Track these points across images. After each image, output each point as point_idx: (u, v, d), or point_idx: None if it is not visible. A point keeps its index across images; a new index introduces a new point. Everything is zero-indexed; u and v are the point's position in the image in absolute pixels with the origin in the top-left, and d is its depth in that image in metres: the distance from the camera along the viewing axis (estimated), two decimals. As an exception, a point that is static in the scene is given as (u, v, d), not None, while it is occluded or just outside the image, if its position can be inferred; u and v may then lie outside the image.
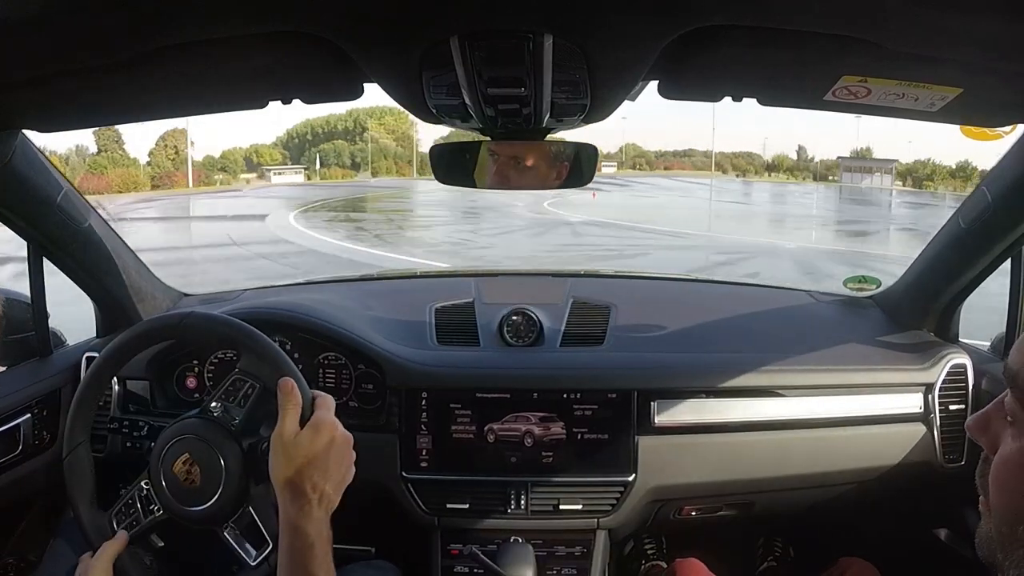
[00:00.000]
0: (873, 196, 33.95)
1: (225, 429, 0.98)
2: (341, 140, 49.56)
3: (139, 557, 1.00)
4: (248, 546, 0.98)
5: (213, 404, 1.00)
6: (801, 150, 58.14)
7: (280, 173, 41.31)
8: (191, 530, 0.99)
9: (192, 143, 39.52)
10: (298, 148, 50.30)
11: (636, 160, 57.46)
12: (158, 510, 0.99)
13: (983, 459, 0.62)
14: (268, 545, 0.96)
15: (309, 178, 41.97)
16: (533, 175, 1.11)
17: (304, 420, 0.88)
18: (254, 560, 0.97)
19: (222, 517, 0.97)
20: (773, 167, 55.86)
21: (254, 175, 41.98)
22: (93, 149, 36.53)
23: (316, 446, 0.86)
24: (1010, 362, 0.55)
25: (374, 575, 1.28)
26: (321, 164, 45.60)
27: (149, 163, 38.45)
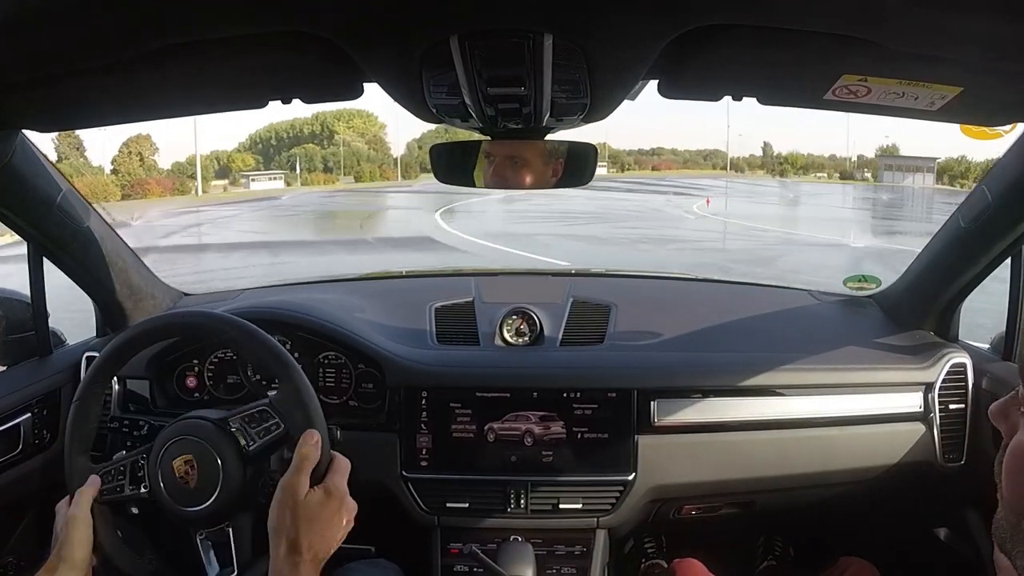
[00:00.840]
0: (927, 197, 31.32)
1: (237, 448, 0.98)
2: (311, 144, 48.44)
3: (108, 516, 0.99)
4: (214, 560, 0.99)
5: (233, 421, 1.00)
6: (767, 147, 58.48)
7: (256, 179, 39.56)
8: (167, 521, 1.00)
9: (157, 149, 38.43)
10: (264, 153, 49.07)
11: (612, 159, 57.11)
12: (143, 488, 0.99)
13: (1001, 448, 0.62)
14: (232, 571, 0.97)
15: (289, 184, 39.96)
16: (533, 174, 1.12)
17: (318, 476, 0.89)
18: None
19: (200, 524, 0.98)
20: (738, 166, 55.64)
21: (226, 181, 40.05)
22: (53, 157, 34.79)
23: (324, 510, 0.87)
24: (1021, 352, 0.55)
25: (375, 573, 1.28)
26: (295, 169, 43.97)
27: (114, 171, 36.86)
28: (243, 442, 0.98)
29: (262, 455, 1.00)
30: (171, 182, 36.06)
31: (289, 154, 47.53)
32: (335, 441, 1.20)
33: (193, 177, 38.12)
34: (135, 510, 1.01)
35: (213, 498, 0.96)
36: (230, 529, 0.99)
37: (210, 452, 0.97)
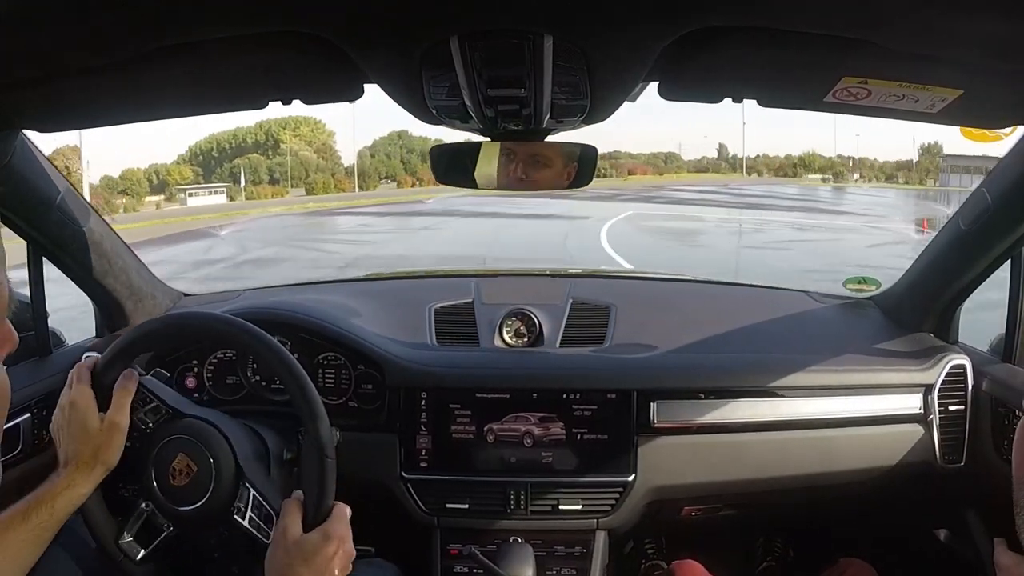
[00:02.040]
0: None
1: (222, 432, 1.00)
2: (255, 154, 45.62)
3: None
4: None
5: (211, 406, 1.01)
6: (722, 148, 57.66)
7: (195, 194, 35.95)
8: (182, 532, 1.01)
9: (88, 162, 33.70)
10: (204, 165, 46.31)
11: None
12: (167, 527, 1.01)
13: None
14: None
15: (233, 198, 36.44)
16: (533, 176, 1.12)
17: (314, 521, 0.89)
18: None
19: (189, 525, 1.00)
20: (702, 168, 54.67)
21: (161, 197, 37.14)
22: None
23: (319, 553, 0.86)
24: None
25: (374, 573, 1.28)
26: (238, 181, 40.37)
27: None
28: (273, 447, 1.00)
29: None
30: (96, 199, 32.50)
31: (232, 165, 44.35)
32: (336, 443, 1.20)
33: (126, 193, 36.04)
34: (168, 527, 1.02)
35: (205, 498, 0.97)
36: (167, 530, 1.01)
37: (203, 452, 0.98)
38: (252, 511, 0.97)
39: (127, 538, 1.00)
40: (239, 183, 40.64)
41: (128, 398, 0.98)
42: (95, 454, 0.95)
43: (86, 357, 0.98)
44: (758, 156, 57.10)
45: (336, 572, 0.88)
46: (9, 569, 0.89)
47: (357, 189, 40.89)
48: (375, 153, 50.18)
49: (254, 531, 0.96)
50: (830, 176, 49.72)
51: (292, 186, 42.01)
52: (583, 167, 1.11)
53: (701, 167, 56.68)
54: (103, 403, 0.97)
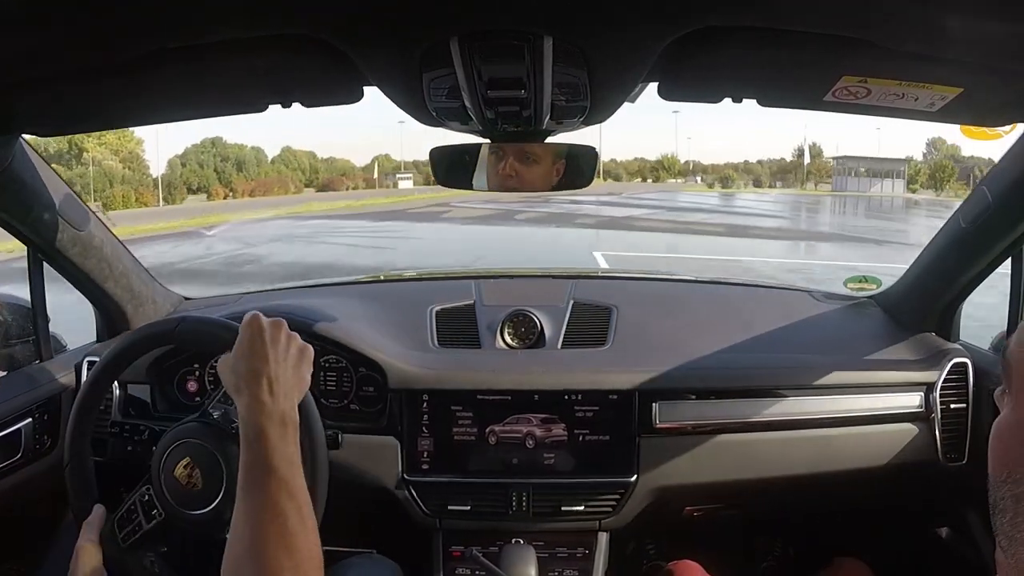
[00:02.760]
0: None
1: (225, 432, 0.98)
2: (56, 165, 39.79)
3: (139, 559, 1.01)
4: None
5: (212, 408, 1.00)
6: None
7: None
8: (193, 534, 1.00)
9: None
10: None
11: (424, 170, 54.66)
12: (158, 514, 1.00)
13: None
14: None
15: None
16: (533, 177, 1.11)
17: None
18: None
19: (224, 522, 0.97)
20: (615, 173, 53.35)
21: None
22: None
23: (248, 346, 0.85)
24: (1006, 345, 0.56)
25: (372, 569, 1.28)
26: None
27: None
28: (228, 424, 0.99)
29: None
30: None
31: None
32: (337, 445, 1.20)
33: None
34: (164, 548, 1.03)
35: (222, 491, 0.97)
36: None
37: (203, 448, 0.98)
38: None
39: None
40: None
41: (99, 524, 0.97)
42: None
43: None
44: (612, 160, 56.84)
45: (277, 358, 0.85)
46: None
47: (161, 202, 36.11)
48: (186, 162, 47.25)
49: None
50: (714, 181, 48.69)
51: (93, 200, 37.11)
52: (583, 167, 1.11)
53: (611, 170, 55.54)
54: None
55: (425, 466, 1.38)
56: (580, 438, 1.37)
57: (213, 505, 0.97)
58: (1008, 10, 0.64)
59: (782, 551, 1.78)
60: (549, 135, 1.09)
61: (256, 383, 0.81)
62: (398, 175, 51.94)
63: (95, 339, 1.58)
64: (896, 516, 1.62)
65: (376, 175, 51.85)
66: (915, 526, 1.60)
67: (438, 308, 1.57)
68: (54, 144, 37.91)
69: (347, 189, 47.30)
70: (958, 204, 1.35)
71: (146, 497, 1.00)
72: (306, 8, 0.71)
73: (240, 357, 0.84)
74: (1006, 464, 0.50)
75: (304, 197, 39.77)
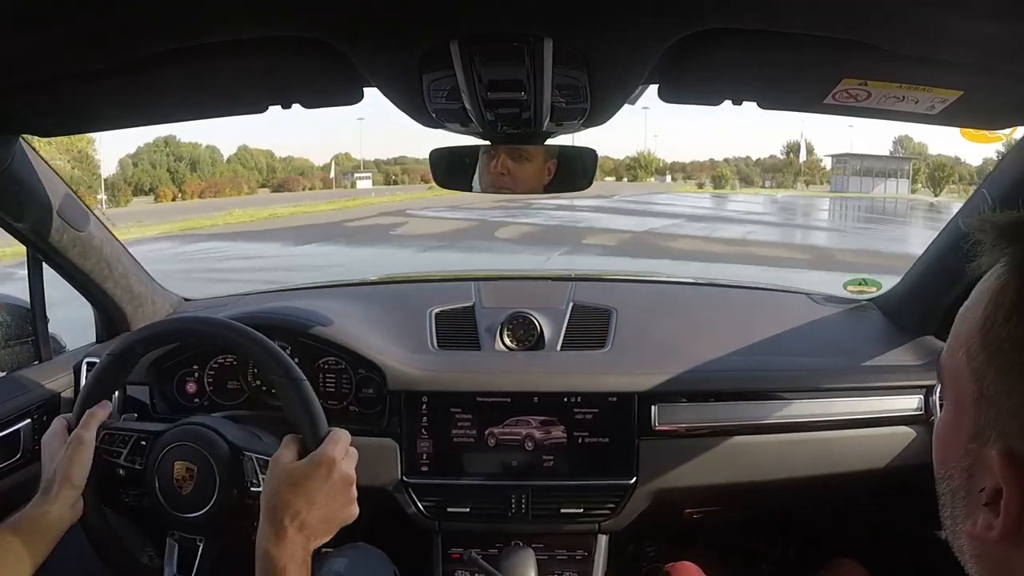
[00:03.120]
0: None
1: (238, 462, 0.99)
2: None
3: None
4: (175, 561, 1.00)
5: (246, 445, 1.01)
6: None
7: None
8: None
9: None
10: None
11: (388, 168, 50.98)
12: (137, 466, 1.01)
13: None
14: None
15: None
16: (532, 179, 1.11)
17: (309, 451, 0.88)
18: None
19: (192, 530, 0.99)
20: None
21: None
22: None
23: (309, 478, 0.84)
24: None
25: (360, 558, 1.26)
26: None
27: None
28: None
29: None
30: None
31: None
32: None
33: None
34: (126, 497, 1.03)
35: (209, 506, 0.97)
36: (200, 544, 0.99)
37: (205, 457, 0.98)
38: (263, 474, 0.97)
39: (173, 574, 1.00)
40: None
41: (96, 421, 0.97)
42: (57, 472, 0.93)
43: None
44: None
45: (326, 499, 0.85)
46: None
47: (104, 205, 34.54)
48: (138, 162, 46.10)
49: None
50: (705, 181, 46.82)
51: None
52: (582, 169, 1.11)
53: None
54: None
55: (424, 468, 1.38)
56: (579, 440, 1.37)
57: (216, 493, 0.97)
58: (1008, 12, 0.64)
59: (781, 553, 1.78)
60: (549, 137, 1.09)
61: (295, 523, 0.83)
62: (356, 175, 49.96)
63: (95, 340, 1.58)
64: (895, 518, 1.62)
65: (333, 175, 49.79)
66: (914, 528, 1.60)
67: (438, 310, 1.57)
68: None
69: (304, 189, 45.46)
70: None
71: (141, 445, 1.01)
72: (306, 9, 0.71)
73: (298, 491, 0.84)
74: (943, 462, 0.54)
75: (258, 199, 38.34)
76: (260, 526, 0.84)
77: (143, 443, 1.02)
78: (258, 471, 0.97)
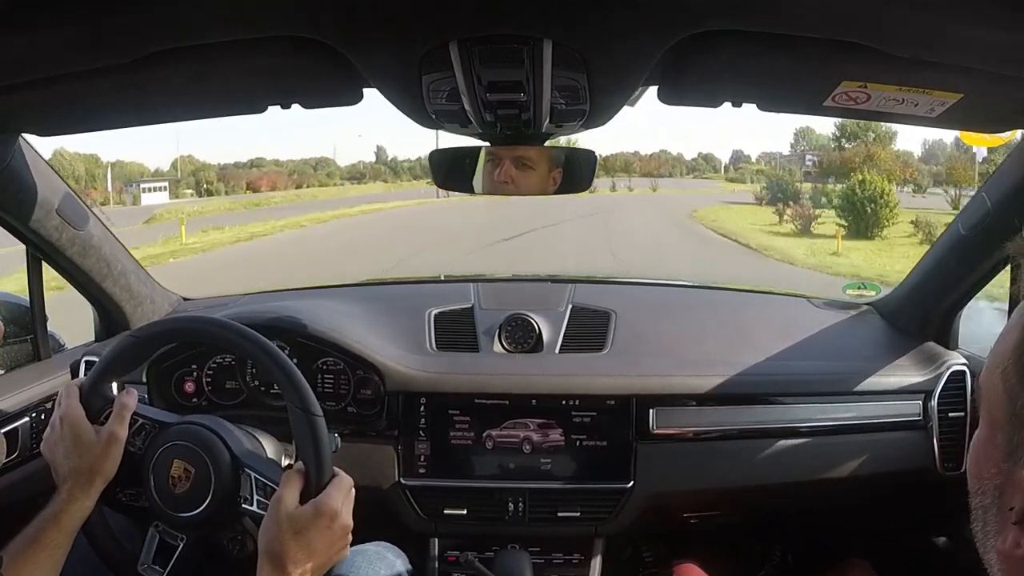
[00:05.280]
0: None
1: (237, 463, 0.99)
2: None
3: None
4: (153, 553, 1.01)
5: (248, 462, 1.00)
6: (380, 151, 52.41)
7: None
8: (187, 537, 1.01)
9: None
10: None
11: (200, 175, 41.31)
12: (180, 539, 1.01)
13: None
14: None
15: None
16: (532, 180, 1.11)
17: (310, 495, 0.88)
18: None
19: (184, 530, 0.99)
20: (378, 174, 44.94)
21: None
22: None
23: (311, 527, 0.86)
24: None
25: (382, 556, 1.26)
26: None
27: None
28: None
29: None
30: None
31: None
32: (334, 448, 1.20)
33: None
34: (123, 496, 1.02)
35: (198, 511, 0.97)
36: (181, 543, 1.00)
37: (201, 456, 0.98)
38: (258, 494, 0.96)
39: (145, 564, 1.00)
40: None
41: (128, 412, 0.98)
42: (92, 467, 0.94)
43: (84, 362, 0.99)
44: (419, 159, 44.98)
45: (325, 548, 0.86)
46: None
47: None
48: None
49: (264, 513, 0.94)
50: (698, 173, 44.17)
51: None
52: (582, 170, 1.11)
53: (356, 173, 48.62)
54: (93, 417, 0.97)
55: (422, 470, 1.38)
56: (577, 443, 1.37)
57: (207, 500, 0.97)
58: (1007, 16, 0.64)
59: (780, 558, 1.77)
60: (548, 138, 1.09)
61: (298, 571, 0.85)
62: (143, 184, 37.73)
63: (93, 339, 1.58)
64: (894, 523, 1.62)
65: (111, 187, 36.94)
66: (913, 534, 1.60)
67: (436, 311, 1.57)
68: None
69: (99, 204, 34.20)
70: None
71: (159, 527, 1.01)
72: (306, 10, 0.72)
73: (300, 539, 0.86)
74: (976, 478, 0.54)
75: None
76: (261, 567, 0.85)
77: (147, 429, 1.02)
78: (254, 490, 0.97)
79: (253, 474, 0.97)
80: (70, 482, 0.94)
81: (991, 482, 0.51)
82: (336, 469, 0.92)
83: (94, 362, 1.20)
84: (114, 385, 1.04)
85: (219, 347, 1.35)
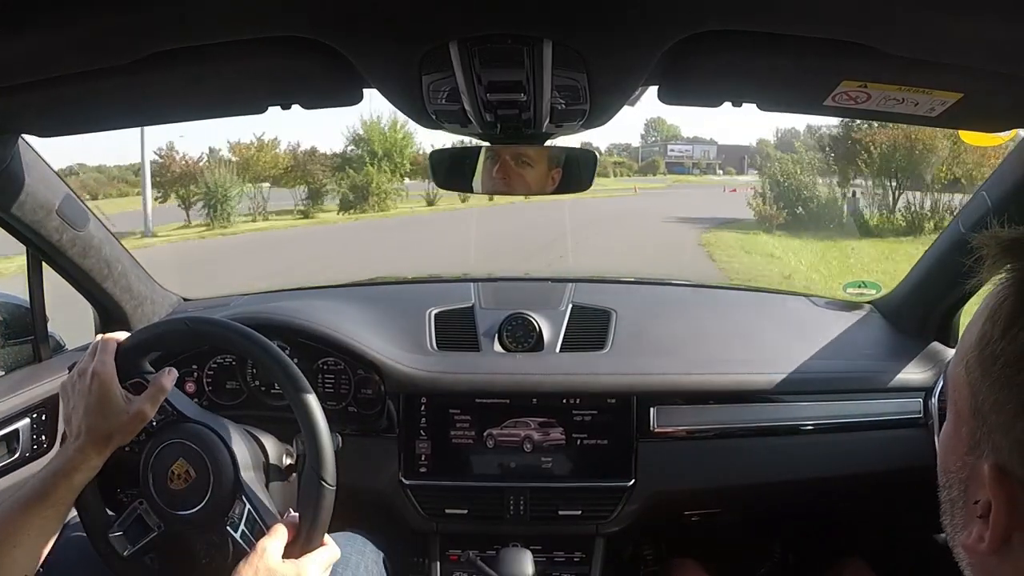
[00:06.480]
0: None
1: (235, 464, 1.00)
2: None
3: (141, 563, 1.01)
4: (130, 528, 1.01)
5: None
6: (213, 152, 52.93)
7: None
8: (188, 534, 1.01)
9: None
10: None
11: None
12: (156, 524, 1.00)
13: None
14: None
15: None
16: (532, 180, 1.11)
17: (294, 554, 0.89)
18: None
19: (216, 519, 0.98)
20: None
21: None
22: None
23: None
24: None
25: (351, 545, 1.26)
26: None
27: None
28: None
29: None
30: None
31: None
32: (336, 448, 1.20)
33: None
34: (124, 496, 1.04)
35: (186, 513, 0.97)
36: (157, 530, 1.00)
37: (199, 454, 0.98)
38: (245, 526, 0.96)
39: (116, 532, 1.00)
40: None
41: (163, 396, 0.98)
42: (111, 432, 0.94)
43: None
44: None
45: None
46: (35, 547, 0.89)
47: None
48: None
49: (244, 546, 0.94)
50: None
51: None
52: (582, 170, 1.11)
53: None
54: (122, 380, 0.97)
55: (423, 469, 1.38)
56: (578, 442, 1.37)
57: (197, 508, 0.97)
58: (1008, 15, 0.64)
59: (780, 555, 1.77)
60: (548, 138, 1.09)
61: None
62: None
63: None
64: (894, 521, 1.62)
65: None
66: (913, 531, 1.60)
67: (437, 311, 1.57)
68: None
69: None
70: None
71: (143, 504, 1.01)
72: (306, 10, 0.71)
73: None
74: (944, 471, 0.55)
75: None
76: None
77: (167, 412, 1.01)
78: (243, 520, 0.96)
79: (248, 506, 0.97)
80: (84, 439, 0.93)
81: (956, 475, 0.52)
82: (327, 538, 0.93)
83: None
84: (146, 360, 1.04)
85: (242, 356, 1.36)
